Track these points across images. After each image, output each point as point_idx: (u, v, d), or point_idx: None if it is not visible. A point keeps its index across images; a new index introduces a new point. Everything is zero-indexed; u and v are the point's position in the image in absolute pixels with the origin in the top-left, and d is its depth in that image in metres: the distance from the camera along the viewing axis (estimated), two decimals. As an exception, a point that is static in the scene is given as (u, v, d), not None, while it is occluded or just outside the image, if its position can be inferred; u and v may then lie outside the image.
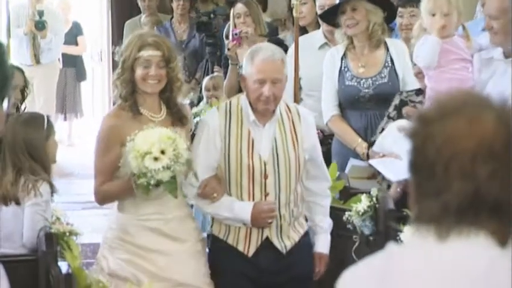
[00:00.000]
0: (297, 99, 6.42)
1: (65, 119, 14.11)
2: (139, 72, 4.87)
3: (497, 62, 5.55)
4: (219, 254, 5.08)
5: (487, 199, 2.01)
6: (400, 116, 5.68)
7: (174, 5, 10.36)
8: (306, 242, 5.14)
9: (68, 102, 13.94)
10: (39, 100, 11.68)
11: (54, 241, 4.89)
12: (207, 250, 5.16)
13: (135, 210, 4.91)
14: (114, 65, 11.88)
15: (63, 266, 4.63)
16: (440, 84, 5.41)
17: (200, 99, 8.88)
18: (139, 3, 10.96)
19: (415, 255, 2.10)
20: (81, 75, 14.10)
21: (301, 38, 6.62)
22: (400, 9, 6.87)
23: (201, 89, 8.94)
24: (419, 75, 5.80)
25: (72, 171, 12.20)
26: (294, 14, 6.97)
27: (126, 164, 4.61)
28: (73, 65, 13.85)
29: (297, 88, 6.48)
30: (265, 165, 4.94)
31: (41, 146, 5.27)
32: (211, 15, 10.12)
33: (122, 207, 4.99)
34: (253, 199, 4.94)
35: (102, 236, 4.99)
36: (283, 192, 4.96)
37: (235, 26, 7.97)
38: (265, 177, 4.94)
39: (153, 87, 4.91)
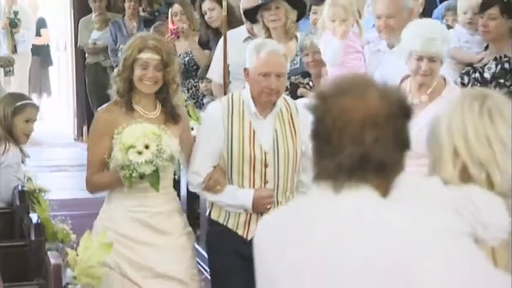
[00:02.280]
0: (226, 81, 6.41)
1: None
2: (137, 72, 4.38)
3: (383, 53, 5.58)
4: (219, 236, 4.58)
5: (373, 160, 2.03)
6: (293, 95, 5.64)
7: (126, 5, 10.51)
8: None
9: (36, 84, 14.10)
10: (15, 82, 11.75)
11: (26, 197, 4.96)
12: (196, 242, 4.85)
13: (123, 202, 4.42)
14: (77, 53, 12.51)
15: (34, 217, 4.57)
16: (341, 71, 5.42)
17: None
18: (91, 4, 11.28)
19: (317, 204, 2.13)
20: (46, 61, 14.29)
21: (229, 33, 6.61)
22: (313, 6, 6.89)
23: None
24: (311, 63, 5.90)
25: (42, 140, 12.22)
26: (207, 18, 7.24)
27: (113, 156, 4.25)
28: (39, 54, 13.91)
29: (226, 72, 6.47)
30: (265, 155, 4.44)
31: (8, 119, 5.28)
32: (156, 14, 10.26)
33: (111, 198, 4.50)
34: (254, 186, 4.45)
35: (94, 223, 4.53)
36: (281, 180, 4.47)
37: (173, 22, 8.02)
38: (266, 166, 4.45)
39: (149, 88, 4.41)
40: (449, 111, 2.33)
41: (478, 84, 5.23)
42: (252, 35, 6.78)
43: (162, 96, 4.47)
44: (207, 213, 4.67)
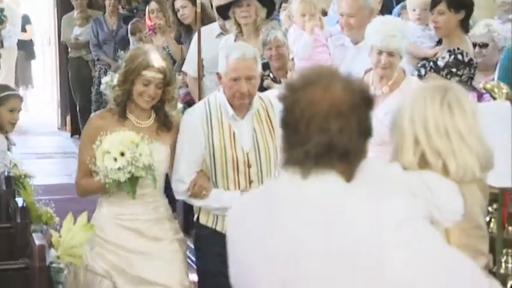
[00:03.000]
0: (200, 75, 6.40)
1: (18, 88, 14.19)
2: (138, 88, 4.16)
3: (346, 48, 5.60)
4: (207, 238, 4.34)
5: (338, 147, 2.03)
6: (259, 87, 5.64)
7: (106, 2, 10.58)
8: None
9: (21, 77, 14.19)
10: (1, 75, 11.74)
11: (12, 182, 4.90)
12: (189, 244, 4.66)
13: (113, 210, 4.23)
14: (60, 48, 12.53)
15: (19, 201, 4.55)
16: (308, 64, 5.44)
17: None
18: (73, 2, 11.31)
19: (286, 188, 2.13)
20: (30, 55, 14.36)
21: (202, 29, 6.59)
22: (283, 4, 6.90)
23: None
24: (274, 57, 5.88)
25: (27, 129, 12.29)
26: (179, 16, 7.25)
27: (94, 162, 4.06)
28: (23, 48, 13.93)
29: (200, 66, 6.46)
30: (247, 155, 4.25)
31: None
32: (134, 11, 10.30)
33: (101, 205, 4.30)
34: (239, 187, 4.25)
35: None
36: (265, 178, 4.26)
37: (150, 19, 8.06)
38: (249, 166, 4.25)
39: (147, 103, 4.21)
40: (412, 102, 2.34)
41: (432, 71, 5.27)
42: (224, 31, 6.79)
43: (157, 105, 4.27)
44: (195, 218, 4.46)
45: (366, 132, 2.08)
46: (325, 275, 1.98)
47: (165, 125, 4.28)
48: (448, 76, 5.20)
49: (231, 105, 4.25)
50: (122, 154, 3.93)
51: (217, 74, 4.38)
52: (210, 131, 4.26)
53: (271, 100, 4.34)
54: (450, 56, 5.25)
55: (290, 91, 2.11)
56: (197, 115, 4.34)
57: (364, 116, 2.07)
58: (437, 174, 2.21)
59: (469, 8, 5.41)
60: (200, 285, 4.54)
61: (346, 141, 2.03)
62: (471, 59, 5.33)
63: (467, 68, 5.26)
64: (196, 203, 4.38)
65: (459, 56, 5.25)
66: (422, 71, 5.39)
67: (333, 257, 1.98)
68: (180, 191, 4.33)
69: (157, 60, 4.18)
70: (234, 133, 4.26)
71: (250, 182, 4.27)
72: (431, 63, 5.33)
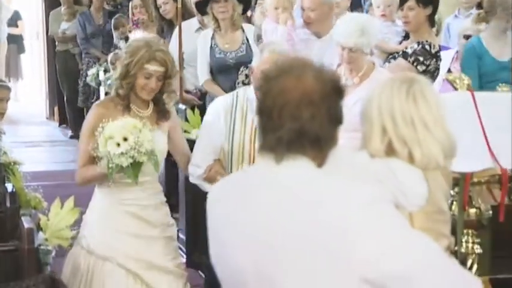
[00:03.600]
0: (181, 68, 6.40)
1: (9, 80, 14.10)
2: (140, 81, 3.95)
3: (313, 41, 5.62)
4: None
5: (309, 134, 2.03)
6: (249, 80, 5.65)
7: None
8: None
9: (11, 69, 14.11)
10: None
11: (2, 169, 4.86)
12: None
13: (115, 195, 4.00)
14: (48, 42, 12.50)
15: (9, 186, 4.53)
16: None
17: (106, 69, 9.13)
18: None
19: (260, 172, 2.13)
20: (20, 49, 14.28)
21: (183, 24, 6.61)
22: (259, 1, 6.87)
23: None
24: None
25: (17, 119, 12.27)
26: (161, 11, 7.25)
27: (97, 148, 3.83)
28: (15, 42, 13.95)
29: (181, 59, 6.46)
30: None
31: None
32: (118, 7, 10.32)
33: (103, 190, 4.06)
34: None
35: (84, 216, 4.14)
36: None
37: (133, 14, 8.07)
38: None
39: (148, 95, 4.01)
40: (380, 93, 2.35)
41: (401, 57, 5.29)
42: (202, 26, 6.79)
43: (157, 96, 4.08)
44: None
45: (336, 120, 2.08)
46: (294, 255, 1.99)
47: (164, 115, 4.14)
48: (415, 63, 5.22)
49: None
50: (125, 139, 3.77)
51: (251, 68, 4.25)
52: (233, 122, 4.13)
53: None
54: (418, 45, 5.28)
55: (264, 80, 2.11)
56: (223, 105, 4.22)
57: (335, 105, 2.07)
58: (402, 161, 2.22)
59: (435, 4, 5.45)
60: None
61: (317, 128, 2.03)
62: (438, 51, 5.36)
63: (434, 59, 5.29)
64: (209, 188, 4.21)
65: (427, 47, 5.27)
66: (392, 62, 5.41)
67: (302, 238, 1.98)
68: (196, 175, 4.25)
69: (160, 54, 3.98)
70: (255, 129, 3.98)
71: None
72: (400, 53, 5.35)
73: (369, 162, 2.19)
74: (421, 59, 5.23)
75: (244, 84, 5.70)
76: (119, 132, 3.76)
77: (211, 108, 4.34)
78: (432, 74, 5.21)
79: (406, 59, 5.23)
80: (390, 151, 2.25)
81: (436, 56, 5.33)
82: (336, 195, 1.98)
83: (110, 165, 3.78)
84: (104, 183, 4.01)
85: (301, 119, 2.02)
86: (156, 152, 3.86)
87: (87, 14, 10.62)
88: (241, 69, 5.94)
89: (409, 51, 5.26)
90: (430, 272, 1.95)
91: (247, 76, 5.74)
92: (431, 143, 2.21)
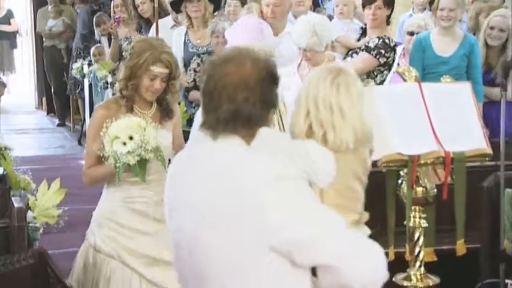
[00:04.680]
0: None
1: (3, 74, 13.97)
2: (145, 82, 3.67)
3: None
4: None
5: (242, 115, 2.08)
6: None
7: None
8: None
9: (4, 63, 13.87)
10: None
11: None
12: None
13: (122, 193, 3.72)
14: (36, 38, 12.42)
15: (0, 170, 4.49)
16: None
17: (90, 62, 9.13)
18: None
19: (200, 148, 2.19)
20: (12, 45, 14.05)
21: (159, 21, 6.58)
22: (228, 0, 6.86)
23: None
24: (220, 44, 5.64)
25: (8, 109, 12.18)
26: (139, 10, 7.22)
27: (103, 149, 3.58)
28: (8, 38, 13.73)
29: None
30: None
31: None
32: (101, 5, 10.25)
33: (111, 189, 3.78)
34: None
35: (94, 213, 3.86)
36: None
37: (114, 12, 8.04)
38: None
39: (152, 96, 3.73)
40: (310, 79, 2.38)
41: (363, 51, 5.32)
42: (177, 23, 6.79)
43: (160, 96, 3.79)
44: None
45: (269, 103, 2.12)
46: (218, 221, 2.04)
47: (167, 114, 3.85)
48: (378, 56, 5.26)
49: None
50: (131, 138, 3.54)
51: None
52: None
53: (285, 101, 3.81)
54: (379, 40, 5.32)
55: (210, 66, 2.16)
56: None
57: (268, 90, 2.12)
58: (317, 143, 2.26)
59: (393, 6, 5.52)
60: None
61: (249, 110, 2.07)
62: (395, 45, 5.42)
63: (393, 52, 5.35)
64: None
65: (387, 41, 5.33)
66: (355, 56, 5.44)
67: (224, 206, 2.04)
68: None
69: (165, 56, 3.70)
70: None
71: None
72: (362, 48, 5.38)
73: (289, 142, 2.23)
74: (383, 51, 5.27)
75: (195, 71, 5.75)
76: (123, 131, 3.54)
77: None
78: (390, 66, 5.25)
79: (370, 52, 5.27)
80: (310, 132, 2.29)
81: (394, 50, 5.39)
82: (254, 170, 2.04)
83: (118, 165, 3.56)
84: (111, 182, 3.75)
85: (237, 100, 2.06)
86: (161, 149, 3.65)
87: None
88: (194, 57, 5.94)
89: (371, 45, 5.29)
90: (329, 241, 2.01)
91: (198, 64, 5.78)
92: (344, 128, 2.24)
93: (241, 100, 2.06)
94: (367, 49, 5.29)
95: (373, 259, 2.07)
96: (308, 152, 2.20)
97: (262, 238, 1.97)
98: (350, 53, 5.50)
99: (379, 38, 5.31)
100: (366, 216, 2.28)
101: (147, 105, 3.80)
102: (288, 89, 4.44)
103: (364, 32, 5.66)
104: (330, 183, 2.18)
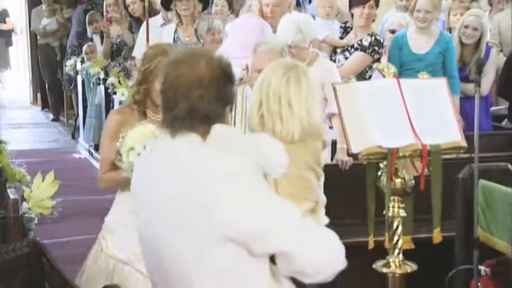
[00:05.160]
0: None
1: None
2: (156, 86, 3.36)
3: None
4: None
5: (198, 112, 2.06)
6: None
7: None
8: None
9: (1, 60, 13.95)
10: None
11: None
12: None
13: None
14: (31, 36, 12.38)
15: (-4, 163, 4.48)
16: None
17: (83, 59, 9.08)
18: None
19: (162, 144, 2.18)
20: (8, 43, 14.09)
21: (149, 20, 6.59)
22: (215, 0, 6.87)
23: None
24: (215, 40, 5.71)
25: (4, 104, 12.16)
26: (130, 10, 7.17)
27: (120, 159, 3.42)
28: (3, 36, 13.73)
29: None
30: None
31: None
32: (94, 5, 10.24)
33: (123, 195, 3.62)
34: None
35: (105, 218, 3.69)
36: None
37: (107, 12, 8.03)
38: None
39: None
40: (265, 72, 2.37)
41: (359, 50, 5.33)
42: (166, 22, 6.78)
43: None
44: None
45: (224, 100, 2.10)
46: (173, 214, 2.03)
47: None
48: (372, 53, 5.31)
49: None
50: (145, 147, 3.36)
51: (246, 66, 3.86)
52: (233, 120, 3.70)
53: None
54: (371, 37, 5.34)
55: (167, 66, 2.15)
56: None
57: (223, 87, 2.09)
58: (268, 136, 2.24)
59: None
60: None
61: (205, 107, 2.06)
62: (383, 40, 5.47)
63: (382, 49, 5.39)
64: None
65: (378, 38, 5.37)
66: (347, 54, 5.43)
67: (179, 200, 2.03)
68: None
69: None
70: None
71: None
72: (355, 46, 5.39)
73: (242, 137, 2.22)
74: (376, 48, 5.32)
75: None
76: (138, 141, 3.37)
77: None
78: (378, 61, 5.29)
79: (365, 51, 5.29)
80: (262, 123, 2.27)
81: (383, 46, 5.43)
82: (208, 166, 2.02)
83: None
84: (126, 188, 3.44)
85: (191, 99, 2.05)
86: None
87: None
88: None
89: (365, 43, 5.31)
90: (283, 230, 2.00)
91: None
92: (291, 119, 2.23)
93: (195, 98, 2.04)
94: (362, 48, 5.30)
95: (328, 246, 2.06)
96: (261, 144, 2.17)
97: (218, 230, 1.96)
98: (339, 51, 5.50)
99: (370, 35, 5.33)
100: (322, 201, 2.26)
101: (157, 109, 3.44)
102: None
103: (345, 31, 5.66)
104: (283, 174, 2.16)
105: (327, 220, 2.36)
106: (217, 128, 2.07)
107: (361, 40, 5.34)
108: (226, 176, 1.98)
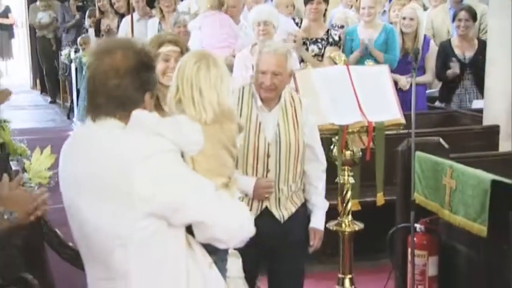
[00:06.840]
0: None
1: (2, 59, 14.02)
2: (159, 67, 2.93)
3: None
4: None
5: (115, 100, 1.98)
6: None
7: None
8: (302, 211, 3.21)
9: (4, 51, 13.90)
10: None
11: None
12: None
13: None
14: (30, 29, 12.15)
15: (0, 139, 4.38)
16: None
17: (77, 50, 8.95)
18: None
19: (84, 128, 2.09)
20: (10, 35, 14.03)
21: (128, 16, 6.52)
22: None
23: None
24: (181, 33, 5.50)
25: (7, 88, 11.86)
26: (115, 7, 7.08)
27: None
28: (6, 30, 13.71)
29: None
30: (268, 145, 3.13)
31: None
32: (85, 2, 10.10)
33: None
34: (257, 174, 3.13)
35: None
36: (282, 169, 3.13)
37: (99, 7, 7.90)
38: (268, 156, 3.12)
39: (170, 80, 2.85)
40: (183, 59, 2.28)
41: (331, 46, 5.29)
42: (141, 17, 6.66)
43: None
44: None
45: (142, 88, 2.00)
46: (94, 193, 1.95)
47: None
48: (340, 45, 5.32)
49: (260, 96, 3.18)
50: None
51: (252, 66, 3.67)
52: (239, 115, 3.20)
53: (302, 100, 3.24)
54: (335, 31, 5.39)
55: (89, 56, 2.06)
56: (230, 99, 3.53)
57: (139, 76, 1.99)
58: (185, 117, 2.16)
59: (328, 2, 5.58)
60: None
61: (121, 95, 1.97)
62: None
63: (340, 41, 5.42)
64: None
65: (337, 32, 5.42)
66: (320, 45, 5.37)
67: (99, 180, 1.94)
68: None
69: (170, 36, 3.15)
70: (260, 123, 3.16)
71: (268, 171, 3.14)
72: (330, 41, 5.34)
73: (158, 120, 2.08)
74: (341, 41, 5.39)
75: None
76: None
77: None
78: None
79: (337, 44, 5.30)
80: (179, 107, 2.19)
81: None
82: (124, 147, 1.94)
83: None
84: None
85: (108, 87, 1.96)
86: None
87: (61, 7, 10.52)
88: None
89: (337, 38, 5.34)
90: (197, 202, 1.95)
91: None
92: (201, 104, 2.17)
93: (112, 87, 1.96)
94: (336, 43, 5.29)
95: (238, 215, 2.02)
96: (179, 124, 2.10)
97: (139, 206, 1.88)
98: (309, 42, 5.44)
99: (333, 29, 5.37)
100: (234, 179, 2.21)
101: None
102: (247, 68, 4.50)
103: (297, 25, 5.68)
104: (200, 151, 2.09)
105: (239, 194, 2.33)
106: (135, 113, 1.98)
107: (331, 35, 5.33)
108: (141, 155, 1.90)
